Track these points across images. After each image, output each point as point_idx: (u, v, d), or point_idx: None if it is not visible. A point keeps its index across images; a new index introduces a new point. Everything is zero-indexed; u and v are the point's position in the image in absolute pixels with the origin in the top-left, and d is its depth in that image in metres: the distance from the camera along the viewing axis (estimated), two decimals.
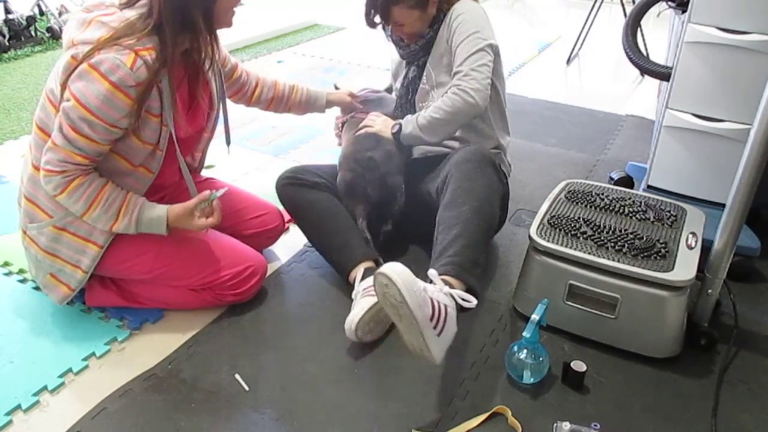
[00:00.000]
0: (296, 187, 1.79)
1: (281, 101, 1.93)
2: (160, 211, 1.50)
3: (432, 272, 1.43)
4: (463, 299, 1.40)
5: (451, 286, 1.42)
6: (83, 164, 1.42)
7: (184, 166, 1.57)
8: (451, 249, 1.50)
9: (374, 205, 1.76)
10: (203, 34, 1.44)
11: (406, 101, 1.93)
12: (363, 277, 1.63)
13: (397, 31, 1.83)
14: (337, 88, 2.08)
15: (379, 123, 1.84)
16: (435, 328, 1.30)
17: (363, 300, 1.55)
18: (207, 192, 1.53)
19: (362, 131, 1.84)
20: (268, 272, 1.79)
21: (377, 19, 1.80)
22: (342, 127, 2.01)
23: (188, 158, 1.75)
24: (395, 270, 1.27)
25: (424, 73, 1.86)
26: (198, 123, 1.64)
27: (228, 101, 1.78)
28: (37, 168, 1.46)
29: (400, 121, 1.82)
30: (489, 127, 1.89)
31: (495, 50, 1.76)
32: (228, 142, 1.77)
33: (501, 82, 1.89)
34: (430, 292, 1.33)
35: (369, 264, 1.68)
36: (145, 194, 1.55)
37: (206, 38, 1.46)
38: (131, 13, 1.40)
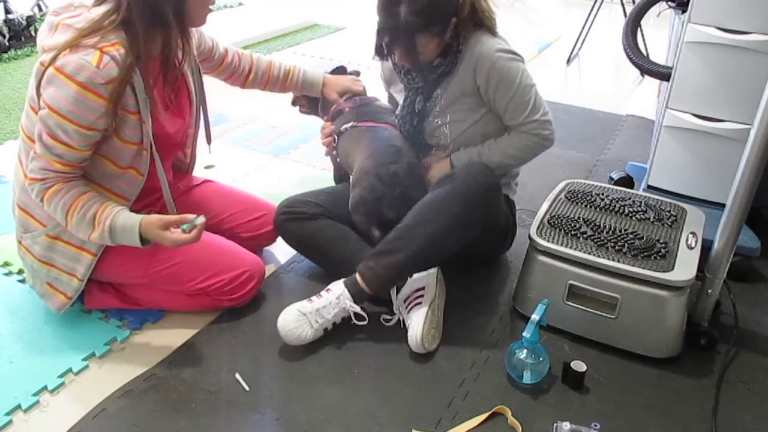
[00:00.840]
0: (295, 221, 1.75)
1: (276, 84, 1.93)
2: (133, 219, 1.42)
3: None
4: (355, 313, 1.55)
5: (361, 287, 1.55)
6: (63, 172, 1.40)
7: (160, 167, 1.54)
8: (384, 259, 1.55)
9: (392, 224, 1.66)
10: (174, 30, 1.42)
11: (411, 128, 1.80)
12: (398, 289, 1.61)
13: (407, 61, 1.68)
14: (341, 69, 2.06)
15: (436, 171, 1.76)
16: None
17: (415, 313, 1.56)
18: (192, 215, 1.44)
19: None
20: (268, 272, 1.79)
21: (393, 47, 1.64)
22: (336, 137, 1.87)
23: (179, 156, 1.75)
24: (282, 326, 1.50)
25: (437, 108, 1.75)
26: (185, 118, 1.62)
27: (211, 103, 1.76)
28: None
29: (455, 163, 1.75)
30: None
31: None
32: (208, 141, 1.76)
33: None
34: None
35: None
36: (140, 197, 1.54)
37: (178, 35, 1.44)
38: (98, 11, 1.37)
